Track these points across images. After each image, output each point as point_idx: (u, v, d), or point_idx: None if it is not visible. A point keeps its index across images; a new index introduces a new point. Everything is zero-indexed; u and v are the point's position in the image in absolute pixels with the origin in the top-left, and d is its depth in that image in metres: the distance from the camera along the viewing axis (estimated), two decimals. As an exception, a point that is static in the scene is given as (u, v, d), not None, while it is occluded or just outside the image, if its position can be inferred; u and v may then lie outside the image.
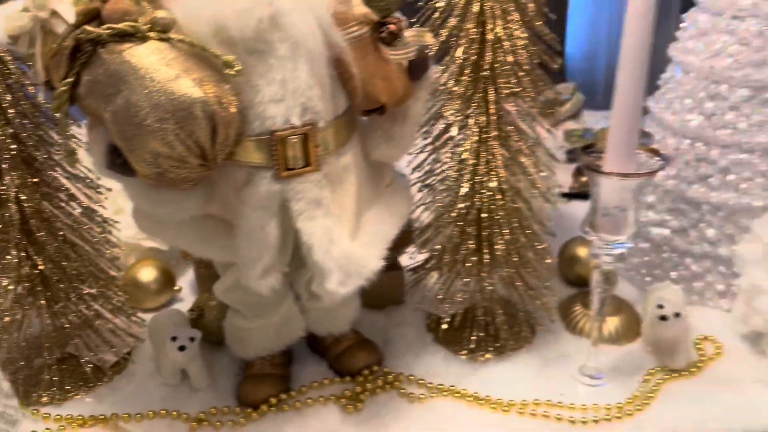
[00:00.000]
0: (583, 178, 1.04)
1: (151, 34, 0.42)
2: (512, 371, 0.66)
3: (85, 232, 0.63)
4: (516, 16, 0.52)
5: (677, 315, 0.62)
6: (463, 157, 0.57)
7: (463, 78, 0.55)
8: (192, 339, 0.61)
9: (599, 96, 1.82)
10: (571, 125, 1.23)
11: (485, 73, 0.54)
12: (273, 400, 0.62)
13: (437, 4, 0.53)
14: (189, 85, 0.41)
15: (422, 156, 0.63)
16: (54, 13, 0.44)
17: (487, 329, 0.67)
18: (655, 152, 0.56)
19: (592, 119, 1.22)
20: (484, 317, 0.67)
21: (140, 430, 0.61)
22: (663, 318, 0.62)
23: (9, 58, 0.54)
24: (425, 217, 0.66)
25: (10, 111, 0.55)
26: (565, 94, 1.26)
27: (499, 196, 0.59)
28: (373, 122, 0.55)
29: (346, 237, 0.51)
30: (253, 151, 0.48)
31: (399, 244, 0.73)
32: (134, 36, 0.41)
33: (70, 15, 0.42)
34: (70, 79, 0.42)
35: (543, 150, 0.60)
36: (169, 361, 0.63)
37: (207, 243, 0.52)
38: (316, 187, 0.49)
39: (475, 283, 0.64)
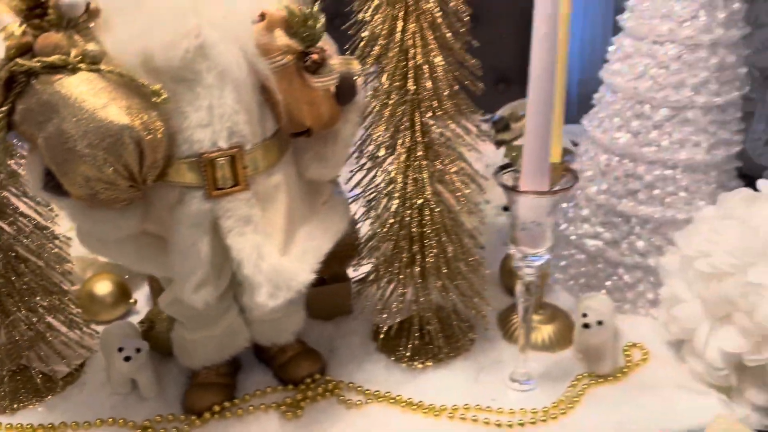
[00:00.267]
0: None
1: (82, 65, 0.45)
2: (448, 378, 0.69)
3: (37, 248, 0.66)
4: (435, 44, 0.56)
5: (600, 323, 0.66)
6: (392, 176, 0.60)
7: (390, 102, 0.58)
8: (138, 350, 0.64)
9: (573, 109, 1.87)
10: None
11: (409, 97, 0.57)
12: (216, 408, 0.64)
13: (363, 34, 0.57)
14: (117, 112, 0.45)
15: (359, 174, 0.67)
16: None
17: (425, 338, 0.70)
18: (570, 170, 0.60)
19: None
20: (422, 327, 0.70)
21: (88, 438, 0.63)
22: (586, 326, 0.66)
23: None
24: (366, 231, 0.70)
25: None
26: (523, 110, 1.31)
27: (427, 212, 0.62)
28: (305, 143, 0.58)
29: (276, 252, 0.54)
30: (185, 172, 0.51)
31: (346, 257, 0.76)
32: (65, 68, 0.44)
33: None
34: (5, 108, 0.45)
35: (470, 167, 0.64)
36: (116, 371, 0.66)
37: (146, 259, 0.56)
38: (246, 205, 0.52)
39: (411, 294, 0.68)
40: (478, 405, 0.65)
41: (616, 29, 0.78)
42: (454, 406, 0.64)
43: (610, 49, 0.77)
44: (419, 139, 0.59)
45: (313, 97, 0.52)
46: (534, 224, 0.58)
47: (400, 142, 0.60)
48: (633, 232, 0.76)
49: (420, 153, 0.59)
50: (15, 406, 0.66)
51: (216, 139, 0.50)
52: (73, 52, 0.45)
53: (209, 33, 0.48)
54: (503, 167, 0.59)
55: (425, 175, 0.61)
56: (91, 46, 0.45)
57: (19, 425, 0.64)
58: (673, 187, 0.73)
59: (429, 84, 0.56)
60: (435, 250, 0.64)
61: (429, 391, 0.67)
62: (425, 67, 0.56)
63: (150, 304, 0.81)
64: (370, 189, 0.65)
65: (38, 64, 0.44)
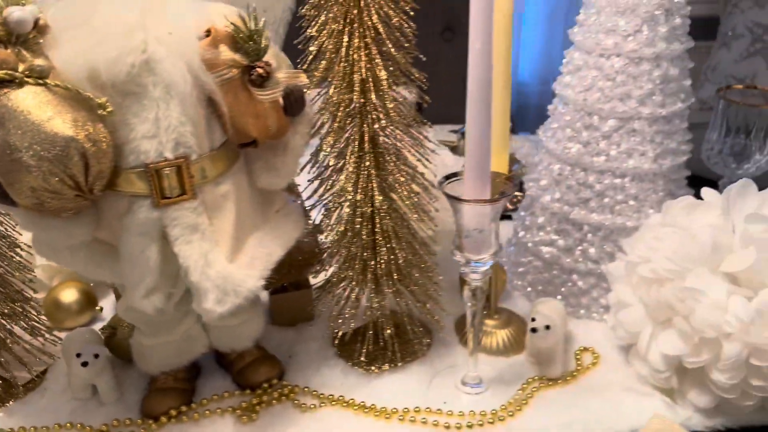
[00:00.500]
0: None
1: (29, 79, 0.47)
2: (403, 382, 0.71)
3: (-1, 257, 0.68)
4: (379, 58, 0.58)
5: (548, 327, 0.68)
6: (342, 185, 0.62)
7: (339, 114, 0.60)
8: (96, 356, 0.66)
9: (533, 119, 1.90)
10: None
11: (356, 109, 0.59)
12: (173, 412, 0.66)
13: (310, 49, 0.59)
14: (62, 125, 0.47)
15: (316, 183, 0.69)
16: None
17: (381, 343, 0.72)
18: (511, 179, 0.62)
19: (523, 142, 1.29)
20: (377, 333, 0.72)
21: (46, 443, 0.65)
22: (533, 330, 0.68)
23: None
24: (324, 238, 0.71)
25: None
26: (493, 120, 1.33)
27: (377, 220, 0.64)
28: (256, 153, 0.60)
29: (224, 259, 0.55)
30: (134, 182, 0.53)
31: (306, 265, 0.78)
32: (12, 82, 0.46)
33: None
34: (-46, 121, 0.47)
35: (421, 177, 0.66)
36: (75, 377, 0.67)
37: (98, 266, 0.57)
38: (193, 213, 0.54)
39: (365, 300, 0.70)
40: (428, 408, 0.66)
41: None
42: (405, 409, 0.66)
43: (564, 62, 0.79)
44: (367, 149, 0.61)
45: (259, 109, 0.54)
46: (477, 231, 0.60)
47: (349, 152, 0.62)
48: (585, 239, 0.78)
49: (368, 163, 0.61)
50: (-24, 411, 0.68)
51: (162, 149, 0.51)
52: (21, 67, 0.47)
53: (156, 48, 0.50)
54: (448, 176, 0.61)
55: (374, 184, 0.62)
56: (39, 61, 0.47)
57: (-23, 430, 0.65)
58: (623, 196, 0.75)
59: (373, 96, 0.58)
60: (386, 257, 0.65)
61: (383, 395, 0.69)
62: (370, 80, 0.58)
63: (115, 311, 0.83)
64: (326, 198, 0.67)
65: (-15, 78, 0.46)
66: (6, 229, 0.68)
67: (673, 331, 0.63)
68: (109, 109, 0.48)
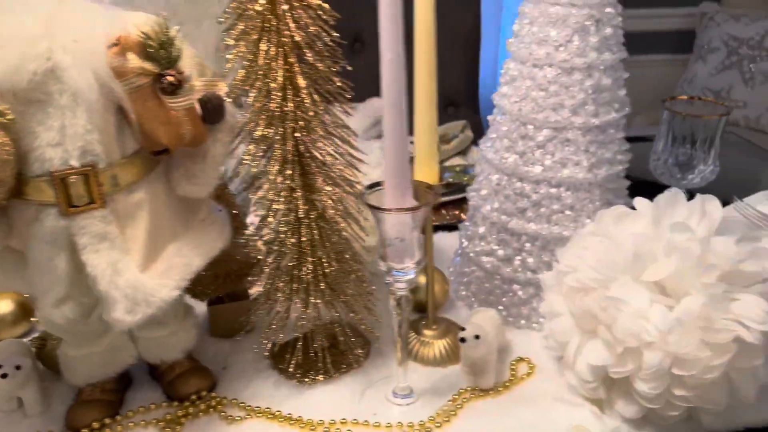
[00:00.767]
0: (443, 212, 1.10)
1: (-75, 87, 0.46)
2: (335, 393, 0.70)
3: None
4: (298, 67, 0.58)
5: (477, 337, 0.67)
6: (264, 194, 0.62)
7: (259, 122, 0.60)
8: (18, 367, 0.65)
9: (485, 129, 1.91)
10: (457, 161, 1.29)
11: (276, 118, 0.59)
12: (96, 425, 0.65)
13: (228, 56, 0.59)
14: (-42, 132, 0.46)
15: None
16: None
17: (311, 354, 0.71)
18: (432, 188, 0.61)
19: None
20: (306, 344, 0.71)
21: (-35, 455, 0.64)
22: (462, 340, 0.67)
23: None
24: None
25: None
26: (455, 132, 1.34)
27: (303, 230, 0.63)
28: (177, 161, 0.60)
29: (134, 268, 0.55)
30: (43, 190, 0.52)
31: (243, 275, 0.77)
32: None
33: None
34: None
35: (349, 186, 0.65)
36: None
37: (9, 275, 0.57)
38: (102, 222, 0.54)
39: (294, 311, 0.69)
40: (356, 420, 0.66)
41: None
42: (332, 420, 0.65)
43: (501, 72, 0.79)
44: (290, 157, 0.61)
45: (171, 117, 0.54)
46: (398, 240, 0.60)
47: (271, 161, 0.61)
48: (524, 249, 0.78)
49: (290, 171, 0.61)
50: None
51: (67, 157, 0.51)
52: None
53: (61, 57, 0.50)
54: (371, 186, 0.61)
55: (299, 193, 0.62)
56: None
57: None
58: (559, 205, 0.75)
59: (291, 105, 0.58)
60: (312, 268, 0.65)
61: (313, 407, 0.68)
62: (289, 88, 0.58)
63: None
64: (253, 208, 0.66)
65: None
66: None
67: (599, 340, 0.63)
68: (9, 117, 0.48)
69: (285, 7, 0.57)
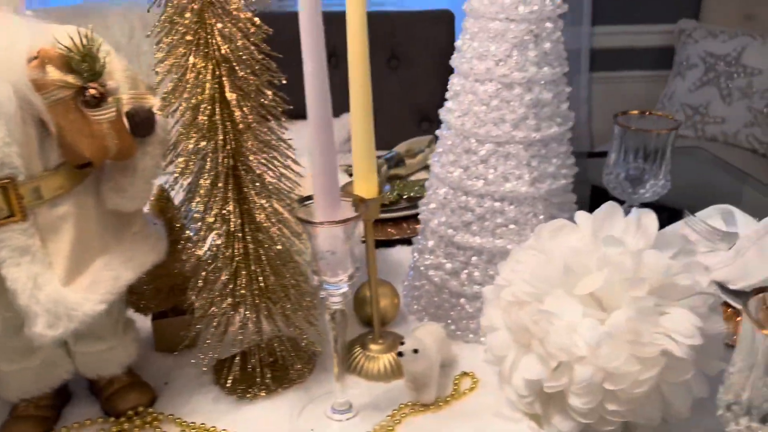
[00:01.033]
0: (404, 225, 1.10)
1: None
2: (275, 409, 0.70)
3: None
4: (228, 81, 0.58)
5: (415, 351, 0.67)
6: (195, 208, 0.62)
7: (191, 134, 0.60)
8: (-52, 382, 0.64)
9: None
10: (422, 175, 1.29)
11: (206, 131, 0.59)
12: (27, 441, 0.64)
13: (157, 70, 0.59)
14: None
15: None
16: None
17: (249, 369, 0.71)
18: (364, 201, 0.61)
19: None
20: (246, 358, 0.70)
21: None
22: (399, 354, 0.67)
23: None
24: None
25: None
26: (421, 146, 1.34)
27: (237, 245, 0.63)
28: (106, 174, 0.60)
29: (56, 282, 0.55)
30: (-39, 203, 0.52)
31: (187, 289, 0.77)
32: None
33: None
34: None
35: (286, 198, 0.65)
36: (-71, 404, 0.65)
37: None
38: (23, 235, 0.53)
39: (235, 326, 0.69)
40: (290, 435, 0.65)
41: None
42: (265, 436, 0.65)
43: (449, 87, 0.80)
44: (220, 170, 0.61)
45: (94, 130, 0.54)
46: (329, 253, 0.60)
47: (203, 174, 0.61)
48: (470, 262, 0.78)
49: (221, 185, 0.61)
50: None
51: (-15, 170, 0.51)
52: None
53: (-22, 70, 0.50)
54: (303, 199, 0.61)
55: (230, 207, 0.62)
56: None
57: None
58: (503, 219, 0.75)
59: (219, 118, 0.58)
60: (246, 282, 0.65)
61: (251, 423, 0.68)
62: (218, 102, 0.58)
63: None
64: (188, 222, 0.66)
65: None
66: None
67: (534, 355, 0.63)
68: None
69: (213, 20, 0.57)
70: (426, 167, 1.31)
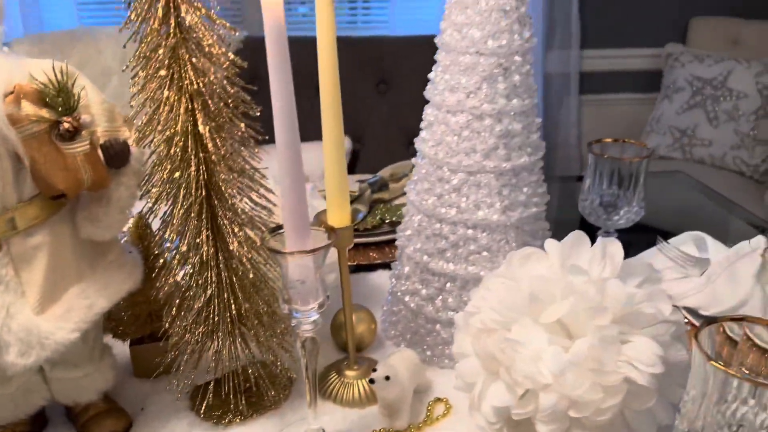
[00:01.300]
0: (387, 250, 1.11)
1: None
2: (248, 435, 0.70)
3: None
4: (201, 113, 0.60)
5: (387, 378, 0.68)
6: (168, 236, 0.63)
7: (165, 165, 0.62)
8: (-76, 408, 0.65)
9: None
10: (405, 200, 1.31)
11: (180, 160, 0.61)
12: (1, 467, 0.65)
13: (132, 103, 0.61)
14: None
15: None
16: None
17: (222, 395, 0.71)
18: (334, 230, 0.63)
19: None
20: (221, 384, 0.71)
21: None
22: (371, 381, 0.68)
23: None
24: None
25: None
26: (404, 171, 1.36)
27: (211, 273, 0.64)
28: (81, 203, 0.61)
29: (29, 311, 0.56)
30: (-65, 233, 0.53)
31: (162, 316, 0.78)
32: None
33: None
34: None
35: (250, 228, 0.67)
36: None
37: None
38: (-4, 265, 0.54)
39: (209, 352, 0.69)
40: (261, 462, 0.66)
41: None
42: (238, 463, 0.65)
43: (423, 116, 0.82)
44: (195, 200, 0.62)
45: (68, 163, 0.55)
46: (299, 282, 0.61)
47: (178, 206, 0.63)
48: (445, 289, 0.79)
49: (194, 215, 0.62)
50: None
51: (-41, 202, 0.52)
52: None
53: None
54: (274, 229, 0.62)
55: (203, 236, 0.63)
56: None
57: None
58: (475, 246, 0.77)
59: (192, 150, 0.59)
60: (220, 309, 0.66)
61: (224, 449, 0.68)
62: (190, 135, 0.60)
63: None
64: (164, 249, 0.67)
65: None
66: None
67: (501, 382, 0.64)
68: None
69: (187, 56, 0.59)
70: (410, 191, 1.33)
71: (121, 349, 0.79)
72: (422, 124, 0.80)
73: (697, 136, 2.47)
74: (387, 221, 1.17)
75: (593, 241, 0.88)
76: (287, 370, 0.74)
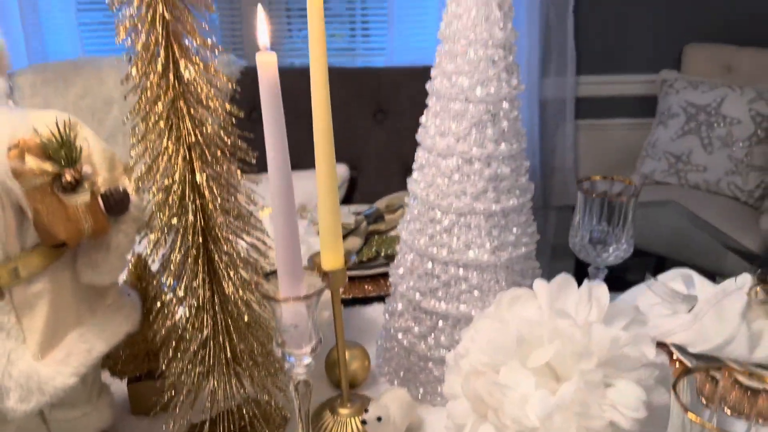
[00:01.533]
0: (382, 282, 1.13)
1: None
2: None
3: None
4: (198, 165, 0.62)
5: (379, 419, 0.69)
6: (165, 280, 0.65)
7: (161, 214, 0.63)
8: (-76, 449, 0.66)
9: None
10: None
11: (177, 207, 0.63)
12: (-2, 507, 0.66)
13: (132, 153, 0.63)
14: None
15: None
16: None
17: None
18: (326, 275, 0.64)
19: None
20: (214, 425, 0.73)
21: None
22: (363, 422, 0.69)
23: None
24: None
25: None
26: (400, 202, 1.38)
27: (206, 316, 0.66)
28: (81, 249, 0.63)
29: (29, 357, 0.57)
30: (-59, 283, 0.55)
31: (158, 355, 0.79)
32: None
33: None
34: None
35: (245, 271, 0.68)
36: None
37: None
38: (-1, 312, 0.56)
39: (205, 392, 0.71)
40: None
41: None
42: (232, 503, 0.67)
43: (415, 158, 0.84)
44: (192, 246, 0.64)
45: (70, 213, 0.57)
46: (293, 327, 0.62)
47: (175, 251, 0.65)
48: (437, 327, 0.81)
49: (191, 260, 0.64)
50: None
51: (-37, 254, 0.54)
52: None
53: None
54: (268, 274, 0.64)
55: (200, 281, 0.65)
56: None
57: None
58: (466, 286, 0.78)
59: (189, 199, 0.61)
60: (216, 350, 0.67)
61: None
62: (188, 183, 0.62)
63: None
64: (159, 292, 0.69)
65: None
66: None
67: (490, 425, 0.65)
68: None
69: (185, 108, 0.61)
70: (406, 223, 1.34)
71: (119, 386, 0.80)
72: (414, 165, 0.82)
73: (692, 162, 2.50)
74: (382, 254, 1.19)
75: (586, 274, 0.91)
76: (281, 409, 0.76)
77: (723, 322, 0.84)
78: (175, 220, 0.64)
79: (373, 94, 1.91)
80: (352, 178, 1.96)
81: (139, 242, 0.66)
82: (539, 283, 0.73)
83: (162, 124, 0.61)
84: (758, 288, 0.83)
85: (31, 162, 0.55)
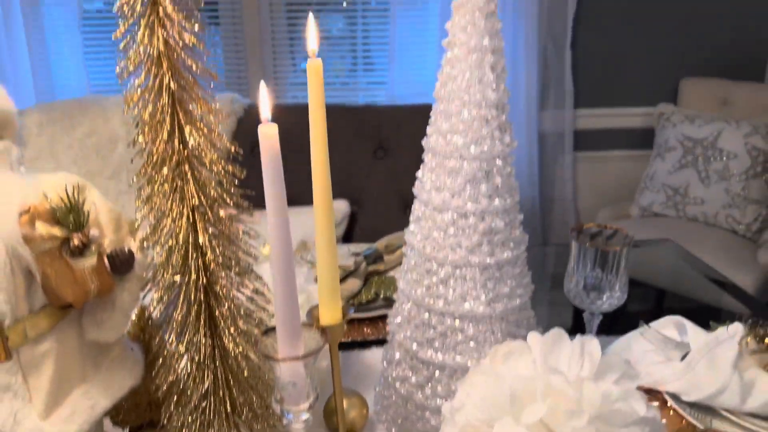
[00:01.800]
0: (381, 324, 1.14)
1: None
2: None
3: None
4: (201, 223, 0.64)
5: (376, 472, 0.70)
6: (170, 337, 0.67)
7: (164, 274, 0.66)
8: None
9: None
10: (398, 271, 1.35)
11: (180, 266, 0.65)
12: None
13: (137, 215, 0.65)
14: None
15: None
16: None
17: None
18: (325, 332, 0.66)
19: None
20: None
21: None
22: (360, 475, 0.70)
23: None
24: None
25: None
26: (399, 242, 1.40)
27: (207, 372, 0.68)
28: (86, 307, 0.65)
29: (35, 416, 0.59)
30: (-49, 344, 0.57)
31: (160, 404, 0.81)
32: None
33: None
34: None
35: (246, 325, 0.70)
36: None
37: None
38: (6, 373, 0.58)
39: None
40: None
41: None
42: None
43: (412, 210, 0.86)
44: (194, 303, 0.66)
45: (77, 276, 0.59)
46: (291, 384, 0.64)
47: (177, 308, 0.67)
48: (434, 377, 0.82)
49: (192, 316, 0.66)
50: None
51: (-26, 317, 0.56)
52: None
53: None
54: (267, 331, 0.66)
55: (201, 336, 0.67)
56: None
57: None
58: (462, 337, 0.80)
59: (191, 258, 0.64)
60: (215, 404, 0.69)
61: None
62: (191, 245, 0.64)
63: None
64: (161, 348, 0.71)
65: None
66: None
67: (485, 478, 0.66)
68: None
69: (189, 171, 0.63)
70: (405, 263, 1.36)
71: (121, 435, 0.81)
72: (411, 217, 0.85)
73: (689, 195, 2.52)
74: (381, 296, 1.21)
75: (581, 318, 0.92)
76: (279, 459, 0.77)
77: (715, 371, 0.85)
78: (177, 278, 0.66)
79: (374, 132, 1.94)
80: (353, 213, 1.99)
81: (144, 298, 0.68)
82: (533, 337, 0.74)
83: (167, 186, 0.64)
84: (749, 338, 0.84)
85: (41, 228, 0.57)
